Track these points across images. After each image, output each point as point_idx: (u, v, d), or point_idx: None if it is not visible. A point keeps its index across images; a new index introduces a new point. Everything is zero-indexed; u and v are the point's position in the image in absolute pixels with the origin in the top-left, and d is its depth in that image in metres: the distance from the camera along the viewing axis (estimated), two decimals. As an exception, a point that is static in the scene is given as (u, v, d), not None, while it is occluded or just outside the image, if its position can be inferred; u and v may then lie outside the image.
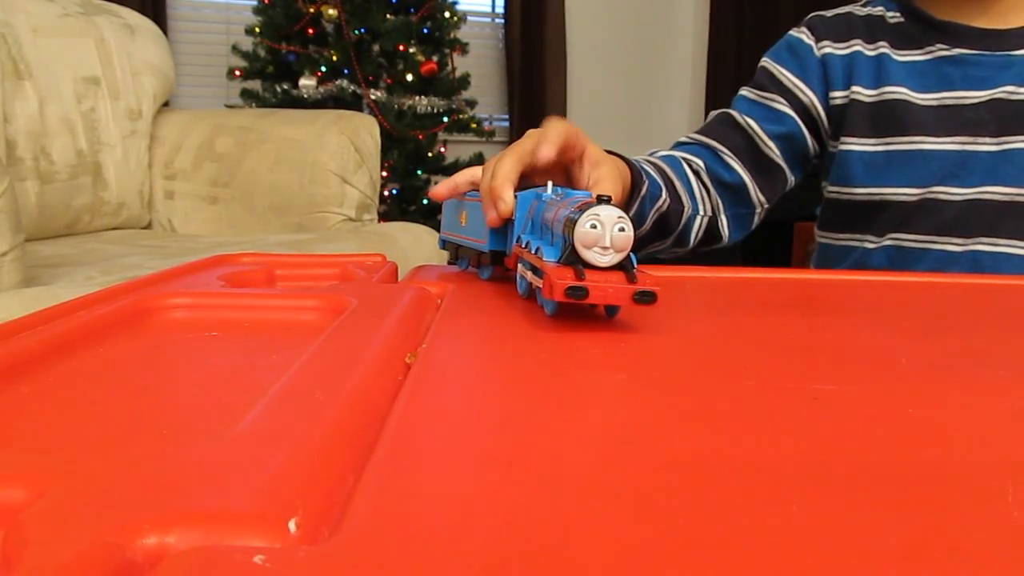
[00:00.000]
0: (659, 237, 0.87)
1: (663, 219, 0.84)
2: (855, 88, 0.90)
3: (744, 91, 0.96)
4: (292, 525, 0.19)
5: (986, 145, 0.85)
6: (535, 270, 0.47)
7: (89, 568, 0.17)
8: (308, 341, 0.37)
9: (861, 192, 0.90)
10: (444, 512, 0.21)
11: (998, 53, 0.86)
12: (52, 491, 0.21)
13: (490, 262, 0.55)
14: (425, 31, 2.96)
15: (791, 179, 0.95)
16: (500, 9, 3.74)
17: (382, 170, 2.40)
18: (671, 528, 0.21)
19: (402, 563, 0.18)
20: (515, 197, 0.52)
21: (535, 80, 3.69)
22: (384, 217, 2.79)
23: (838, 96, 0.91)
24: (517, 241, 0.50)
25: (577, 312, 0.46)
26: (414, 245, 1.78)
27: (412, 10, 2.94)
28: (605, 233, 0.42)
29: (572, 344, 0.41)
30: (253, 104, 2.93)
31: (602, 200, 0.42)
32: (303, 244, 1.55)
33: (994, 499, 0.23)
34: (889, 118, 0.88)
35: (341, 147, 1.86)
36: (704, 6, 4.03)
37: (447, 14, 3.01)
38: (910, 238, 0.89)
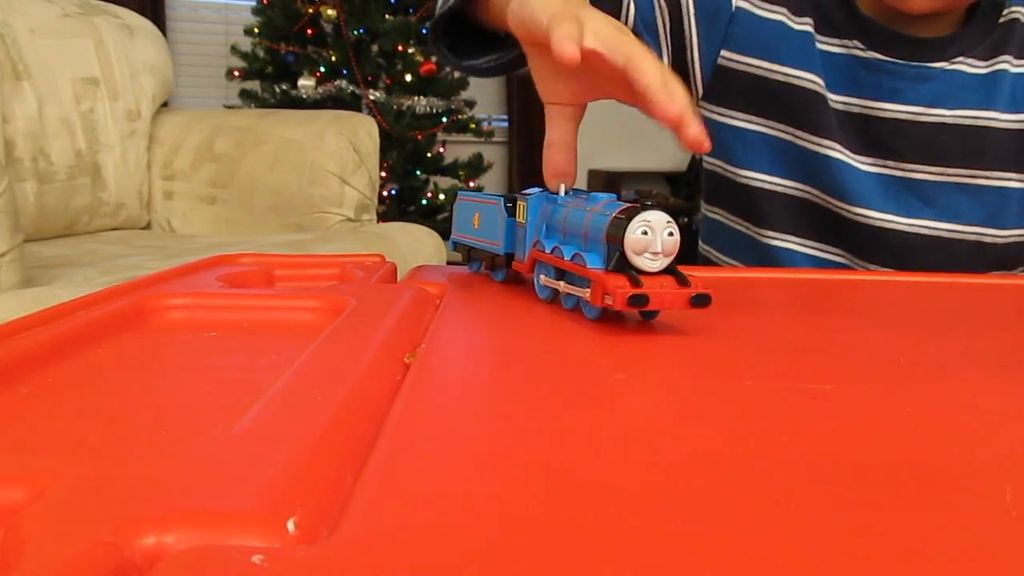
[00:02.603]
0: None
1: None
2: (764, 63, 0.79)
3: None
4: (290, 525, 0.19)
5: (890, 170, 0.79)
6: (563, 274, 0.47)
7: (87, 568, 0.17)
8: (307, 341, 0.37)
9: (763, 180, 0.82)
10: (442, 512, 0.21)
11: (912, 63, 0.77)
12: (50, 491, 0.21)
13: (504, 265, 0.55)
14: (424, 31, 2.96)
15: None
16: (499, 9, 3.74)
17: (381, 170, 2.39)
18: (671, 528, 0.21)
19: (401, 563, 0.18)
20: (526, 200, 0.51)
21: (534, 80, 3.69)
22: (383, 217, 2.79)
23: (734, 61, 0.79)
24: (534, 245, 0.50)
25: (579, 313, 0.46)
26: (413, 245, 1.79)
27: (411, 10, 2.94)
28: (656, 238, 0.41)
29: (571, 344, 0.41)
30: (252, 104, 2.93)
31: (647, 205, 0.42)
32: (302, 244, 1.55)
33: (993, 498, 0.23)
34: (801, 108, 0.78)
35: (340, 147, 1.86)
36: (703, 6, 4.03)
37: (446, 14, 3.01)
38: (812, 244, 0.82)
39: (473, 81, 3.19)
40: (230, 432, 0.25)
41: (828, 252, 0.82)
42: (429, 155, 3.01)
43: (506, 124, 3.75)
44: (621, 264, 0.42)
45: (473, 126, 3.12)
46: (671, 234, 0.42)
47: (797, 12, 0.78)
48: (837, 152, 0.79)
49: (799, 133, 0.79)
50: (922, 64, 0.77)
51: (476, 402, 0.32)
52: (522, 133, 3.70)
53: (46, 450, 0.26)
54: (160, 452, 0.24)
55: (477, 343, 0.42)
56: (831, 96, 0.79)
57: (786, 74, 0.78)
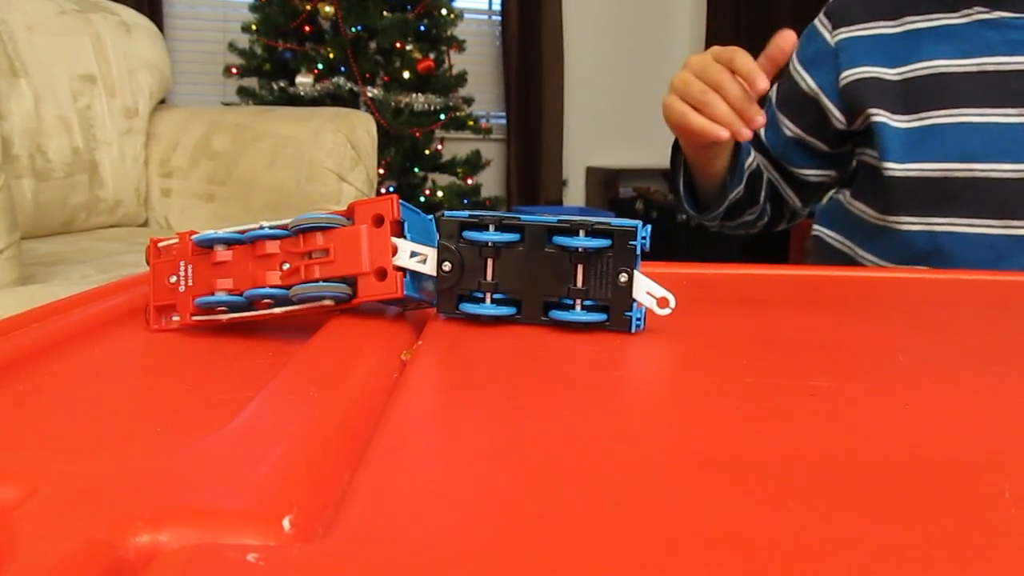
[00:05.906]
0: (751, 202, 0.88)
1: (752, 178, 0.85)
2: (877, 68, 0.85)
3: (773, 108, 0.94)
4: (286, 523, 0.19)
5: None
6: None
7: (82, 567, 0.17)
8: (303, 337, 0.37)
9: (897, 169, 0.83)
10: (439, 510, 0.21)
11: None
12: (45, 489, 0.20)
13: None
14: (422, 28, 2.96)
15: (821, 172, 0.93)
16: (497, 7, 3.75)
17: (379, 167, 2.39)
18: (669, 527, 0.21)
19: (397, 561, 0.18)
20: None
21: (532, 77, 3.68)
22: (381, 215, 2.78)
23: (851, 74, 0.86)
24: None
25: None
26: (411, 243, 1.78)
27: (409, 7, 2.94)
28: None
29: (569, 342, 0.41)
30: (250, 101, 2.93)
31: None
32: (300, 242, 1.54)
33: (992, 496, 0.23)
34: (923, 93, 0.82)
35: (338, 145, 1.86)
36: (701, 4, 4.03)
37: (444, 11, 3.01)
38: (958, 221, 0.82)
39: (471, 78, 3.19)
40: (226, 429, 0.25)
41: (972, 226, 0.82)
42: (427, 152, 3.01)
43: (504, 121, 3.75)
44: None
45: (471, 123, 3.12)
46: None
47: (893, 16, 0.85)
48: (969, 116, 0.81)
49: (927, 115, 0.82)
50: None
51: (473, 400, 0.32)
52: (520, 131, 3.70)
53: (40, 448, 0.26)
54: (155, 450, 0.24)
55: (474, 340, 0.42)
56: (959, 62, 0.81)
57: (892, 72, 0.84)
